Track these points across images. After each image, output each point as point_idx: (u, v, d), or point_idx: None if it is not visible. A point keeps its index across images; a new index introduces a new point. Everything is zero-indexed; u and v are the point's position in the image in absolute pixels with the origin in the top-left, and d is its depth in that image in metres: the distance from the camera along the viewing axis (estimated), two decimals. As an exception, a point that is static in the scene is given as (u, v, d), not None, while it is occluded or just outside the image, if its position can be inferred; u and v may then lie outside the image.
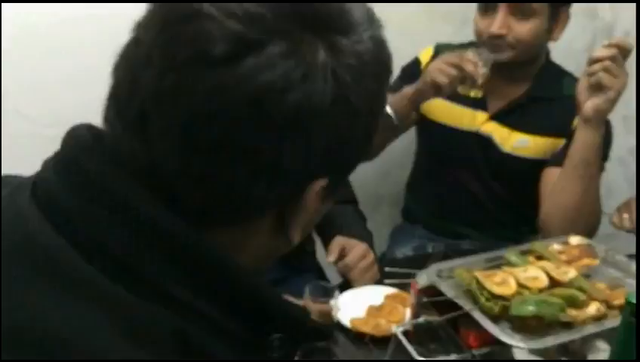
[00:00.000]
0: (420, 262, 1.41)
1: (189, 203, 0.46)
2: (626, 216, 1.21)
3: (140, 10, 1.55)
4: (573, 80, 1.53)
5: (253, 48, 0.43)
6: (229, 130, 0.43)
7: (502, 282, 1.00)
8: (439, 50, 1.64)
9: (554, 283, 1.02)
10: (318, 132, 0.46)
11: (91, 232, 0.43)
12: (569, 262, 1.09)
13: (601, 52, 1.25)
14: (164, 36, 0.44)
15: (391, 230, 1.90)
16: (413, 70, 1.67)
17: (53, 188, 0.45)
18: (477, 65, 1.37)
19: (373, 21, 0.51)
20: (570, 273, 1.04)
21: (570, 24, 1.68)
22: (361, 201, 1.97)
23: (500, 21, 1.43)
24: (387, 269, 1.27)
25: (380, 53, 0.51)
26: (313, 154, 0.46)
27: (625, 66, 1.26)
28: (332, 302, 1.13)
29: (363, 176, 1.85)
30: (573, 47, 2.01)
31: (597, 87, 1.26)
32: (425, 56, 1.66)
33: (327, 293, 1.15)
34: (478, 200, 1.61)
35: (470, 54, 1.38)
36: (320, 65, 0.44)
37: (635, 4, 1.94)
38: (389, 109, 1.52)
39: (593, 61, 1.26)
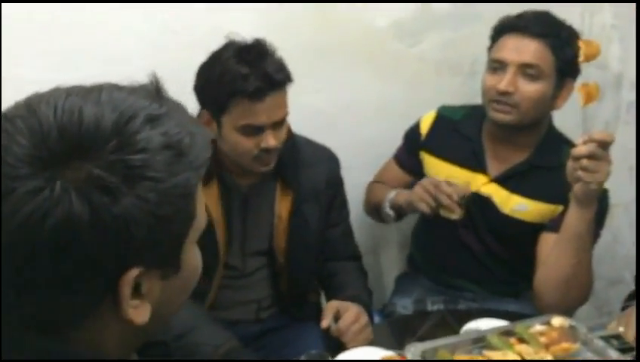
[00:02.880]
0: (417, 323, 1.48)
1: (34, 318, 0.57)
2: (621, 329, 1.25)
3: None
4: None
5: (7, 193, 0.53)
6: (13, 263, 0.53)
7: (480, 368, 1.07)
8: (442, 113, 1.71)
9: (530, 370, 1.08)
10: (87, 244, 0.53)
11: None
12: (548, 346, 1.14)
13: (578, 150, 1.28)
14: None
15: (396, 274, 1.98)
16: (413, 137, 1.75)
17: None
18: (451, 197, 1.48)
19: (138, 131, 0.56)
20: (547, 360, 1.10)
21: (581, 75, 1.72)
22: (368, 244, 2.05)
23: (508, 79, 1.49)
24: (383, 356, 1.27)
25: (154, 156, 0.56)
26: (92, 260, 0.54)
27: (608, 155, 1.29)
28: (326, 371, 1.21)
29: (371, 219, 1.93)
30: (581, 99, 2.04)
31: (579, 180, 1.30)
32: (427, 121, 1.73)
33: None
34: (477, 257, 1.67)
35: (446, 187, 1.49)
36: (58, 195, 0.52)
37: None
38: (388, 209, 1.68)
39: (573, 158, 1.30)
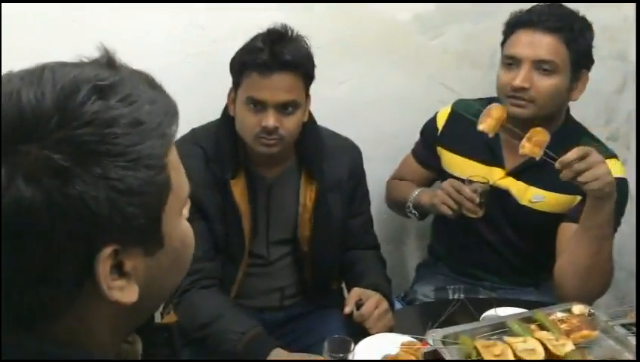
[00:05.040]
0: (438, 310, 1.51)
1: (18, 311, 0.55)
2: None
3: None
4: (591, 139, 1.59)
5: None
6: None
7: (500, 354, 1.09)
8: (457, 107, 1.73)
9: (550, 355, 1.11)
10: (45, 229, 0.50)
11: None
12: (569, 333, 1.16)
13: (566, 157, 1.31)
14: None
15: (417, 262, 2.00)
16: (429, 132, 1.78)
17: None
18: (474, 200, 1.50)
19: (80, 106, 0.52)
20: (567, 346, 1.12)
21: (601, 67, 1.72)
22: (389, 233, 2.07)
23: (523, 75, 1.50)
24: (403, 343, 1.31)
25: (105, 127, 0.52)
26: (56, 245, 0.51)
27: (595, 153, 1.31)
28: (349, 356, 1.24)
29: (391, 212, 1.95)
30: (603, 89, 2.05)
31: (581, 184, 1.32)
32: (442, 115, 1.75)
33: (345, 346, 1.26)
34: (495, 249, 1.69)
35: (467, 191, 1.50)
36: (4, 183, 0.49)
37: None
38: (412, 209, 1.71)
39: (564, 166, 1.31)
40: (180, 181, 0.59)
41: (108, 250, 0.53)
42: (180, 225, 0.61)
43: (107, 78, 0.54)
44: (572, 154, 1.30)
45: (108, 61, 0.58)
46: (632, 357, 1.15)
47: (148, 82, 0.59)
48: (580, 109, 1.71)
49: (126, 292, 0.56)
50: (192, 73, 1.64)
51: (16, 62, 1.61)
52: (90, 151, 0.51)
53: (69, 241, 0.51)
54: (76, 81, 0.53)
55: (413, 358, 1.31)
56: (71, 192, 0.50)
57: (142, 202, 0.54)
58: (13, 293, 0.53)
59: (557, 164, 1.33)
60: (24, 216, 0.50)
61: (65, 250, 0.51)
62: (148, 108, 0.55)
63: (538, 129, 1.46)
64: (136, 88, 0.56)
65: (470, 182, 1.55)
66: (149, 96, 0.56)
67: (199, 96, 1.58)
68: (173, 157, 0.59)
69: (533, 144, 1.45)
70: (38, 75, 0.54)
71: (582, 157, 1.29)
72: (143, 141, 0.54)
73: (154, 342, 0.69)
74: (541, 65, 1.50)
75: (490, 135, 1.51)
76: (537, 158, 1.43)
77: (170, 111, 0.58)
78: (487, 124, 1.50)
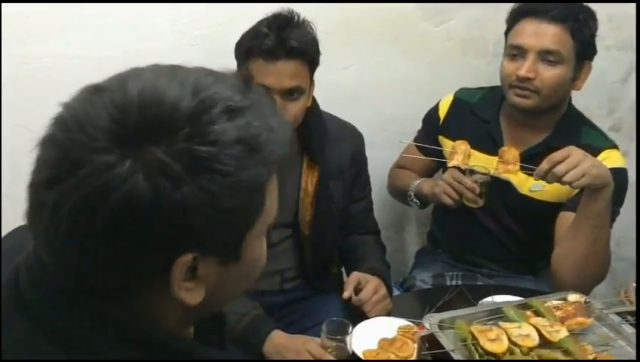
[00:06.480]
0: (435, 296, 1.53)
1: (97, 285, 0.57)
2: (633, 284, 1.30)
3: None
4: (591, 129, 1.60)
5: (80, 163, 0.54)
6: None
7: (496, 338, 1.11)
8: (459, 96, 1.74)
9: (545, 341, 1.12)
10: (144, 223, 0.53)
11: (42, 315, 0.58)
12: (563, 320, 1.18)
13: (552, 157, 1.33)
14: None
15: (416, 249, 2.02)
16: (431, 121, 1.78)
17: (21, 287, 0.60)
18: (474, 189, 1.51)
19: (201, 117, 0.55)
20: (562, 332, 1.13)
21: (606, 57, 1.72)
22: (390, 219, 2.09)
23: (528, 65, 1.51)
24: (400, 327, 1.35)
25: (224, 149, 0.55)
26: (148, 240, 0.54)
27: (577, 152, 1.32)
28: (347, 338, 1.26)
29: (392, 198, 1.97)
30: (607, 79, 2.05)
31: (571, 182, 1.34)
32: (444, 104, 1.76)
33: (342, 328, 1.28)
34: (494, 237, 1.70)
35: (468, 182, 1.51)
36: (126, 175, 0.53)
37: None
38: (414, 197, 1.73)
39: (548, 171, 1.33)
40: (271, 206, 0.62)
41: (188, 257, 0.56)
42: (257, 245, 0.64)
43: (239, 101, 0.57)
44: (545, 164, 1.33)
45: (244, 82, 0.61)
46: (625, 344, 1.16)
47: (272, 108, 0.62)
48: (584, 99, 1.71)
49: (192, 294, 0.59)
50: (196, 55, 1.64)
51: (22, 44, 1.61)
52: (203, 167, 0.54)
53: (159, 240, 0.55)
54: (215, 97, 0.56)
55: (411, 343, 1.33)
56: (176, 197, 0.53)
57: (233, 221, 0.57)
58: (96, 267, 0.56)
59: (534, 176, 1.36)
60: (131, 208, 0.53)
61: (152, 246, 0.55)
62: (266, 136, 0.58)
63: (504, 148, 1.54)
64: (263, 115, 0.59)
65: (471, 172, 1.55)
66: (270, 124, 0.59)
67: (203, 78, 1.58)
68: (272, 184, 0.62)
69: (506, 163, 1.50)
70: (183, 77, 0.57)
71: (559, 161, 1.31)
72: (252, 167, 0.57)
73: (205, 327, 0.71)
74: (546, 56, 1.50)
75: (463, 167, 1.56)
76: (515, 173, 1.51)
77: (283, 142, 0.61)
78: (456, 160, 1.56)
